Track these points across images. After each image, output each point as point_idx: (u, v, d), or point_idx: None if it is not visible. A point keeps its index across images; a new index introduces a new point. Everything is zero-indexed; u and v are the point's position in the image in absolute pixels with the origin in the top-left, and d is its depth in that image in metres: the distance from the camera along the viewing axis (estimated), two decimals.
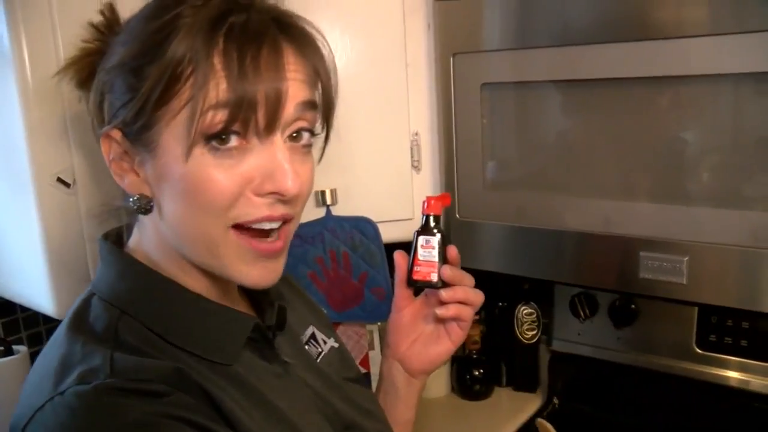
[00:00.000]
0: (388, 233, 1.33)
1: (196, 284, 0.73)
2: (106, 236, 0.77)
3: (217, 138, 0.65)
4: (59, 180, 1.00)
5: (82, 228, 1.03)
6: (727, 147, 1.06)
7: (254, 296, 0.85)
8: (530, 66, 1.17)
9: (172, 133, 0.66)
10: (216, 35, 0.64)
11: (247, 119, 0.65)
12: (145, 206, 0.70)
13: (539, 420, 0.97)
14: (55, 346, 0.70)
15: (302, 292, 0.99)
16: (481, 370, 1.67)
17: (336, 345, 0.93)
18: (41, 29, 0.97)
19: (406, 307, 0.94)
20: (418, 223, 1.36)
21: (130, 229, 0.77)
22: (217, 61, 0.64)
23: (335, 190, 1.29)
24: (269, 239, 0.70)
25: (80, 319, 0.70)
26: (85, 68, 0.73)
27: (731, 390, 1.37)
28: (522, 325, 1.63)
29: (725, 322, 1.36)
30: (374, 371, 1.45)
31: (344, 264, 1.30)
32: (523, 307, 1.62)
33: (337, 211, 1.30)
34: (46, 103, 0.97)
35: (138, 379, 0.63)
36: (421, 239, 0.90)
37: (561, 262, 1.21)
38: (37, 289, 1.05)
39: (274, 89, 0.65)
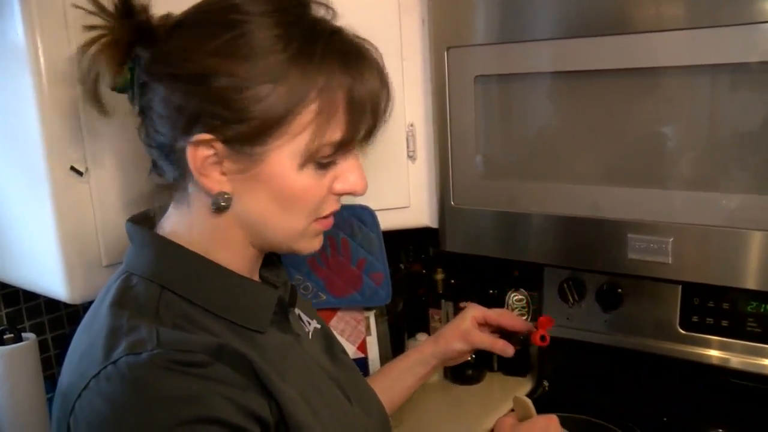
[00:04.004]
0: (386, 221, 1.37)
1: (229, 264, 0.80)
2: (133, 220, 0.83)
3: (323, 159, 0.77)
4: (72, 169, 1.04)
5: (94, 215, 1.07)
6: (705, 135, 1.11)
7: (267, 277, 0.91)
8: (520, 58, 1.22)
9: (284, 150, 0.74)
10: (345, 76, 0.74)
11: (351, 148, 0.79)
12: (228, 202, 0.76)
13: (516, 396, 1.02)
14: (98, 319, 0.75)
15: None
16: (473, 356, 1.69)
17: (318, 326, 1.00)
18: (54, 20, 0.99)
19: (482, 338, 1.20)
20: (414, 210, 1.42)
21: (159, 213, 0.83)
22: (343, 102, 0.74)
23: None
24: (328, 219, 0.84)
25: (123, 296, 0.76)
26: (116, 56, 0.75)
27: (712, 368, 1.43)
28: (512, 311, 1.67)
29: (707, 303, 1.42)
30: (371, 356, 1.49)
31: (343, 251, 1.35)
32: (514, 294, 1.67)
33: None
34: (59, 93, 1.00)
35: (183, 350, 0.69)
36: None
37: (553, 246, 1.26)
38: (51, 276, 1.08)
39: (373, 128, 0.79)
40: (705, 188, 1.09)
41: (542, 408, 1.59)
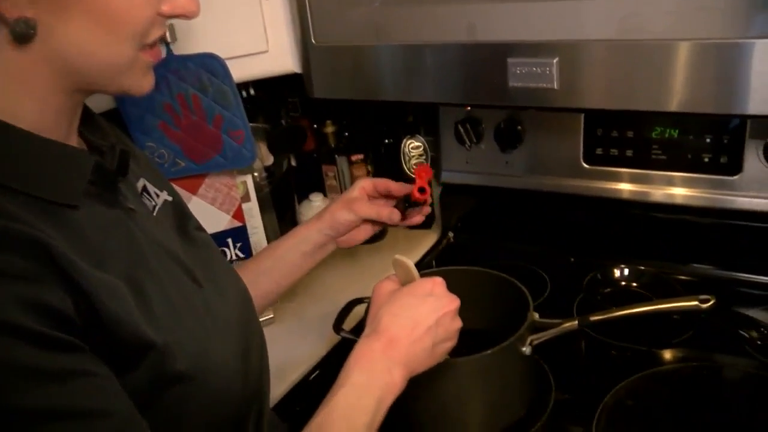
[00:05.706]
0: (243, 70, 1.18)
1: (34, 121, 0.65)
2: None
3: None
4: None
5: None
6: None
7: (92, 141, 0.76)
8: None
9: None
10: None
11: None
12: (28, 32, 0.61)
13: (396, 257, 0.90)
14: None
15: (129, 143, 0.90)
16: None
17: (170, 198, 0.87)
18: None
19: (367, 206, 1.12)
20: (274, 54, 1.23)
21: None
22: None
23: (172, 25, 1.11)
24: (155, 49, 0.72)
25: None
26: None
27: (619, 202, 1.34)
28: (409, 159, 1.54)
29: (610, 133, 1.30)
30: (252, 224, 1.35)
31: (196, 109, 1.16)
32: (409, 141, 1.52)
33: (178, 50, 1.14)
34: None
35: None
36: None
37: (430, 80, 1.09)
38: None
39: None
40: None
41: (447, 261, 1.52)
